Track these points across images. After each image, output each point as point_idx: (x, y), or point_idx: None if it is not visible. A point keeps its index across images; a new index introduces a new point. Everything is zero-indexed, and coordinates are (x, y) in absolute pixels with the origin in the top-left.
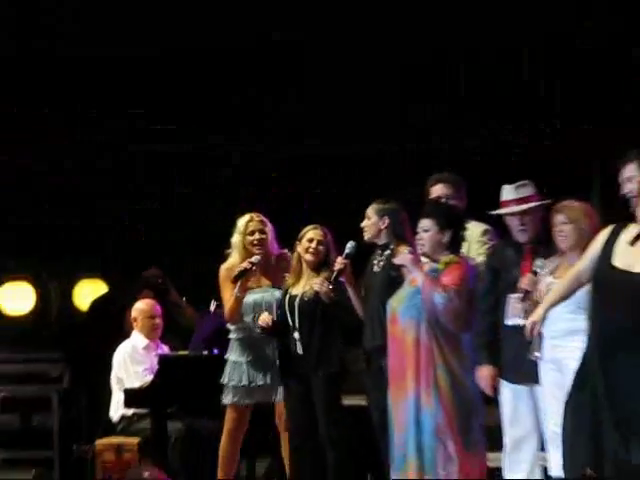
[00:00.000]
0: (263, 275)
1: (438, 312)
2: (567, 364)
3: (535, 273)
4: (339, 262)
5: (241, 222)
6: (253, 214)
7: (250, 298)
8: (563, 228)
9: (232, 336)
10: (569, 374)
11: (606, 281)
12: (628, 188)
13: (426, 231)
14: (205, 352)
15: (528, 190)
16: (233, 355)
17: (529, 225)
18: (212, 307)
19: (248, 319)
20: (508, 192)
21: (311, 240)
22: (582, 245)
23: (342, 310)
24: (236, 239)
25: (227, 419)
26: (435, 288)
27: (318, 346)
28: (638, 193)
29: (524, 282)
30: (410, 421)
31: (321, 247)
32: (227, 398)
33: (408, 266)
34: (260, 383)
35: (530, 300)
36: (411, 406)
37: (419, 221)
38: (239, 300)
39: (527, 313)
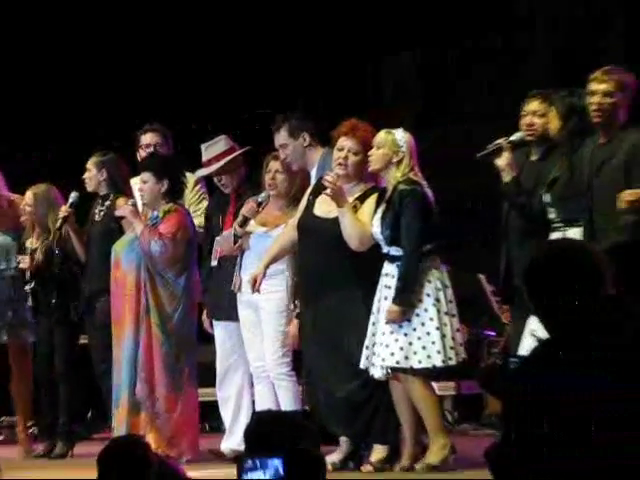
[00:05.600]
0: None
1: (155, 259)
2: (262, 306)
3: (259, 204)
4: (63, 210)
5: None
6: None
7: None
8: (276, 176)
9: None
10: (262, 314)
11: (308, 227)
12: (284, 154)
13: (145, 182)
14: None
15: (218, 148)
16: None
17: (227, 180)
18: None
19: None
20: (203, 152)
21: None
22: (288, 194)
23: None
24: None
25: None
26: (152, 237)
27: (53, 298)
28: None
29: (246, 208)
30: (126, 359)
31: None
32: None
33: (128, 217)
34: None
35: (246, 226)
36: (130, 344)
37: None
38: None
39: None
